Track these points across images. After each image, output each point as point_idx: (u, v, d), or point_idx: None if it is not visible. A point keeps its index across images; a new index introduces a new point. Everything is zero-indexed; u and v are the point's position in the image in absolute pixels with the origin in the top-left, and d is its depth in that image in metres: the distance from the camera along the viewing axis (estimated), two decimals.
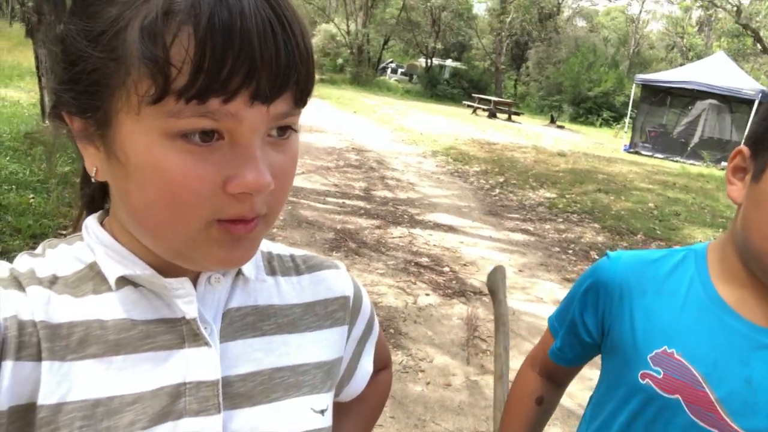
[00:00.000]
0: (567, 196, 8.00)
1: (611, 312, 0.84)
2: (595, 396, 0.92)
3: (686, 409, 0.75)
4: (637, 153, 15.14)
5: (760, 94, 13.73)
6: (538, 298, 4.23)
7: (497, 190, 7.99)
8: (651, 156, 14.82)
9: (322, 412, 0.62)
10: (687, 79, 15.02)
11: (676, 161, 14.23)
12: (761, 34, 21.14)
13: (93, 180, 0.52)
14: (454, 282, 4.29)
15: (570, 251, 5.52)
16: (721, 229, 6.94)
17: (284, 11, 0.45)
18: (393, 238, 5.17)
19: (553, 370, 0.99)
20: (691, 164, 13.76)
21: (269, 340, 0.60)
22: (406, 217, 5.96)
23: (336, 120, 12.93)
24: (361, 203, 6.24)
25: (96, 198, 0.60)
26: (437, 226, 5.76)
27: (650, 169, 11.77)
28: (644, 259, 0.86)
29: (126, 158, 0.47)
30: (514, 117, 20.66)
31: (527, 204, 7.36)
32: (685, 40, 34.85)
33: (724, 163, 13.74)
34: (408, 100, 24.96)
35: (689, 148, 14.76)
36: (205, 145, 0.45)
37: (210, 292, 0.57)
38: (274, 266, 0.65)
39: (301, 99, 0.49)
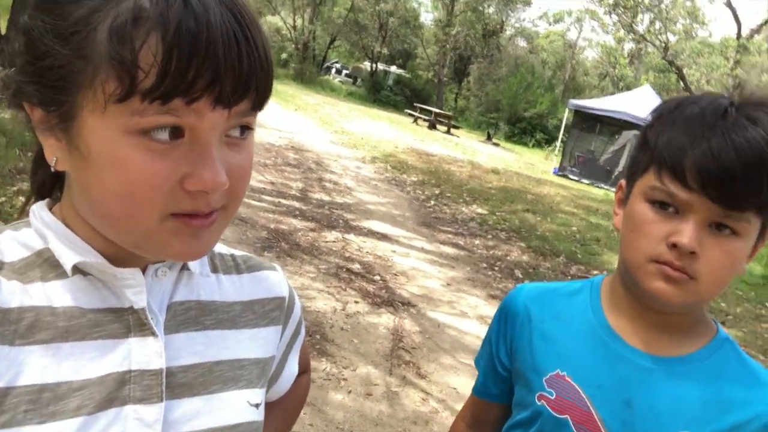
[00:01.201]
0: (497, 213, 8.27)
1: (516, 339, 0.90)
2: (505, 427, 0.95)
3: (573, 428, 0.80)
4: (565, 176, 15.83)
5: None
6: (463, 313, 4.35)
7: (432, 202, 8.15)
8: (578, 180, 15.54)
9: (257, 405, 0.65)
10: (616, 108, 15.86)
11: (601, 188, 14.98)
12: (685, 71, 22.66)
13: (53, 169, 0.53)
14: (383, 291, 4.34)
15: (496, 268, 5.71)
16: None
17: (248, 23, 0.48)
18: (327, 242, 5.17)
19: (481, 416, 1.01)
20: (614, 191, 14.47)
21: (210, 334, 0.63)
22: (341, 221, 5.97)
23: (276, 116, 12.74)
24: (296, 204, 6.20)
25: (46, 184, 0.61)
26: (371, 233, 5.81)
27: (576, 193, 12.35)
28: (545, 288, 0.94)
29: (88, 152, 0.48)
30: (453, 130, 21.09)
31: (460, 218, 7.55)
32: (617, 71, 36.80)
33: None
34: (351, 103, 24.97)
35: (613, 176, 15.58)
36: (166, 143, 0.47)
37: (156, 284, 0.59)
38: (216, 264, 0.68)
39: (259, 104, 0.52)
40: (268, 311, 0.70)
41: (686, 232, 0.71)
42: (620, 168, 15.49)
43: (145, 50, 0.44)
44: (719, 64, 23.78)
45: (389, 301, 4.19)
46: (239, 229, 4.79)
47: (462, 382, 3.28)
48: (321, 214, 6.06)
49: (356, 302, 4.03)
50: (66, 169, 0.52)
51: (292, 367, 0.79)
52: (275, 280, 0.73)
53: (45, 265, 0.54)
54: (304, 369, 0.87)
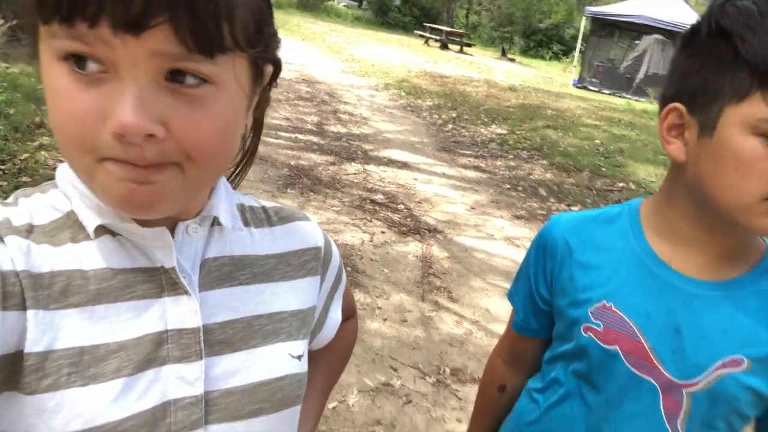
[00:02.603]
0: (517, 132, 8.11)
1: (556, 272, 0.88)
2: (547, 353, 0.95)
3: (623, 359, 0.79)
4: (585, 88, 15.36)
5: None
6: (489, 236, 4.37)
7: (450, 126, 8.01)
8: (598, 91, 15.08)
9: (299, 357, 0.64)
10: (635, 12, 15.12)
11: (622, 97, 14.53)
12: None
13: None
14: (409, 219, 4.36)
15: (520, 188, 5.66)
16: (662, 166, 7.25)
17: None
18: (347, 174, 5.16)
19: (519, 351, 1.00)
20: (636, 100, 14.09)
21: (245, 289, 0.62)
22: (360, 152, 5.93)
23: (283, 48, 12.31)
24: (314, 138, 6.15)
25: None
26: (391, 163, 5.77)
27: (597, 105, 12.01)
28: (582, 217, 0.90)
29: (41, 72, 0.46)
30: (465, 48, 20.40)
31: (479, 140, 7.43)
32: None
33: None
34: (358, 28, 24.19)
35: (635, 84, 15.07)
36: (89, 74, 0.43)
37: (188, 242, 0.58)
38: (247, 218, 0.66)
39: (196, 41, 0.43)
40: (303, 262, 0.69)
41: None
42: (641, 75, 14.96)
43: None
44: None
45: (415, 228, 4.21)
46: (260, 168, 4.79)
47: (493, 302, 3.34)
48: (339, 146, 6.01)
49: (383, 232, 4.06)
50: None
51: (336, 316, 0.79)
52: (309, 230, 0.71)
53: (75, 226, 0.54)
54: (350, 314, 0.87)
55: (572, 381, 0.87)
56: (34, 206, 0.54)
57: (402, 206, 4.61)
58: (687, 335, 0.77)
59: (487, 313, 3.22)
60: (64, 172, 0.56)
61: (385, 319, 2.99)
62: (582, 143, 7.95)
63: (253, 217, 0.67)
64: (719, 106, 0.69)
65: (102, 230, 0.53)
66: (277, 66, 0.59)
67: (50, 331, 0.49)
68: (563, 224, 0.90)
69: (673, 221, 0.80)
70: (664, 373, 0.77)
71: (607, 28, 16.03)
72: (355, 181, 5.02)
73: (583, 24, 17.07)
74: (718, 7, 0.70)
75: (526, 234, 4.50)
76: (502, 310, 3.25)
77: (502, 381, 1.03)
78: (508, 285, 3.66)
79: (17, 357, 0.48)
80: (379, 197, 4.71)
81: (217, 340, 0.58)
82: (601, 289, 0.82)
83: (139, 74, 0.43)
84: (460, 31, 22.75)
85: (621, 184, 6.23)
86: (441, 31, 20.67)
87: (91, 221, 0.53)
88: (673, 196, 0.80)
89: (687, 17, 14.78)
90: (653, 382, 0.78)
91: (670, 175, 0.81)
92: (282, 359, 0.62)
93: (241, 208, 0.66)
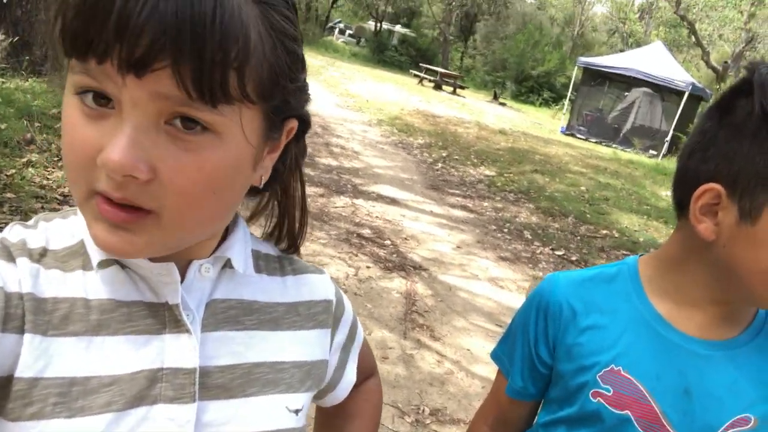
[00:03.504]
0: (505, 174, 8.22)
1: (560, 337, 0.85)
2: (542, 416, 0.92)
3: (636, 424, 0.77)
4: (572, 135, 15.67)
5: (690, 86, 14.47)
6: (474, 275, 4.38)
7: (440, 165, 8.11)
8: (585, 139, 15.38)
9: (297, 411, 0.62)
10: (626, 65, 15.55)
11: (609, 146, 14.84)
12: (696, 26, 22.12)
13: None
14: (394, 255, 4.37)
15: (505, 230, 5.71)
16: (645, 216, 7.36)
17: None
18: (336, 207, 5.18)
19: (511, 416, 0.97)
20: (622, 150, 14.39)
21: (251, 334, 0.60)
22: (350, 186, 5.97)
23: None
24: (305, 170, 6.17)
25: None
26: (380, 198, 5.81)
27: (584, 153, 12.23)
28: (581, 278, 0.87)
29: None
30: (459, 90, 20.80)
31: (468, 180, 7.52)
32: (626, 26, 35.96)
33: (652, 151, 14.49)
34: (355, 64, 24.61)
35: (622, 134, 15.41)
36: (96, 109, 0.45)
37: (198, 280, 0.57)
38: (260, 265, 0.65)
39: (198, 88, 0.43)
40: (314, 314, 0.67)
41: None
42: (628, 125, 15.31)
43: (65, 3, 0.43)
44: (732, 18, 23.16)
45: (401, 265, 4.22)
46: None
47: (475, 343, 3.33)
48: (329, 179, 6.05)
49: (368, 267, 4.06)
50: None
51: (350, 376, 0.76)
52: (321, 283, 0.70)
53: (87, 254, 0.53)
54: (371, 372, 0.84)
55: None
56: (52, 230, 0.55)
57: (388, 242, 4.62)
58: (696, 396, 0.76)
59: (469, 354, 3.21)
60: None
61: None
62: (568, 189, 8.07)
63: (267, 265, 0.66)
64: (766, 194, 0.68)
65: (110, 261, 0.53)
66: (304, 121, 0.58)
67: (43, 357, 0.48)
68: (563, 287, 0.87)
69: (680, 285, 0.79)
70: None
71: (597, 78, 16.45)
72: (343, 214, 5.04)
73: (575, 73, 17.51)
74: None
75: (510, 275, 4.52)
76: (484, 351, 3.24)
77: None
78: (491, 326, 3.64)
79: (7, 381, 0.47)
80: (366, 232, 4.73)
81: (214, 384, 0.56)
82: (609, 353, 0.80)
83: (138, 114, 0.43)
84: (455, 73, 23.23)
85: (605, 231, 6.31)
86: (436, 72, 21.09)
87: (96, 254, 0.53)
88: (684, 262, 0.79)
89: (675, 73, 15.26)
90: None
91: (683, 242, 0.79)
92: (278, 412, 0.60)
93: (257, 255, 0.65)
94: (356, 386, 0.78)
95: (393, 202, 5.79)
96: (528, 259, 5.03)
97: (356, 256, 4.21)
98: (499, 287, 4.25)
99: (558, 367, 0.86)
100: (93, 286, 0.52)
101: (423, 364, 3.03)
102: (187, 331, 0.55)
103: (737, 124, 0.70)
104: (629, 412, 0.78)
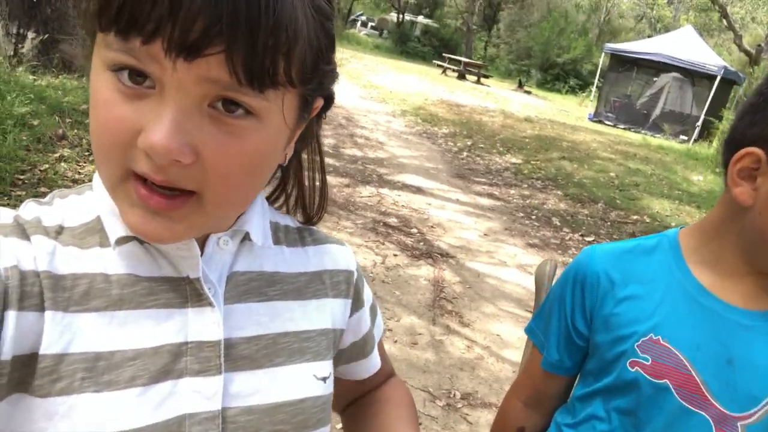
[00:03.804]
0: (532, 162, 8.12)
1: (597, 307, 0.85)
2: (578, 389, 0.91)
3: (675, 393, 0.77)
4: (600, 122, 15.40)
5: (722, 70, 14.08)
6: (502, 262, 4.34)
7: (465, 153, 8.04)
8: (614, 126, 15.11)
9: (324, 379, 0.62)
10: (654, 51, 15.23)
11: (638, 132, 14.55)
12: (728, 9, 21.48)
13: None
14: (421, 243, 4.35)
15: (533, 217, 5.65)
16: (677, 201, 7.20)
17: None
18: (362, 197, 5.18)
19: (546, 391, 0.96)
20: (651, 136, 14.08)
21: (274, 305, 0.60)
22: (374, 176, 5.96)
23: None
24: (330, 160, 6.19)
25: None
26: (405, 187, 5.79)
27: (613, 139, 12.01)
28: (620, 250, 0.87)
29: (89, 83, 0.47)
30: (483, 79, 20.61)
31: (494, 168, 7.45)
32: (654, 12, 35.16)
33: (682, 137, 14.16)
34: (377, 56, 24.55)
35: (651, 120, 15.09)
36: (133, 87, 0.43)
37: (217, 253, 0.57)
38: (279, 236, 0.65)
39: (248, 74, 0.42)
40: (336, 283, 0.67)
41: None
42: (657, 111, 14.99)
43: None
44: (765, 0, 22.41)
45: (428, 253, 4.20)
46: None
47: (505, 329, 3.30)
48: (354, 169, 6.05)
49: (395, 255, 4.05)
50: None
51: (375, 359, 0.76)
52: (343, 253, 0.70)
53: (104, 231, 0.53)
54: (391, 373, 0.83)
55: (615, 417, 0.83)
56: (67, 207, 0.54)
57: (415, 230, 4.60)
58: (738, 367, 0.75)
59: (499, 339, 3.18)
60: (98, 176, 0.56)
61: (395, 341, 2.97)
62: (597, 175, 7.93)
63: (286, 236, 0.66)
64: None
65: (128, 238, 0.53)
66: (329, 99, 0.58)
67: (68, 333, 0.48)
68: (602, 257, 0.86)
69: (720, 255, 0.78)
70: (717, 405, 0.76)
71: (625, 64, 16.13)
72: (369, 203, 5.04)
73: (602, 60, 17.19)
74: None
75: (539, 262, 4.46)
76: (514, 337, 3.21)
77: (521, 423, 0.99)
78: (520, 312, 3.61)
79: (32, 359, 0.47)
80: (392, 220, 4.71)
81: (239, 355, 0.56)
82: (648, 323, 0.80)
83: (182, 98, 0.43)
84: (478, 62, 23.00)
85: (635, 217, 6.19)
86: (459, 61, 20.91)
87: (114, 231, 0.52)
88: (724, 232, 0.78)
89: (707, 57, 14.85)
90: (705, 415, 0.76)
91: (723, 212, 0.78)
92: (306, 380, 0.60)
93: (275, 227, 0.65)
94: (381, 382, 0.79)
95: (418, 191, 5.76)
96: (557, 245, 4.96)
97: (383, 244, 4.20)
98: (528, 273, 4.20)
99: (595, 338, 0.86)
100: (112, 262, 0.52)
101: (453, 349, 3.01)
102: (210, 304, 0.55)
103: None
104: (668, 381, 0.77)
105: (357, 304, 0.70)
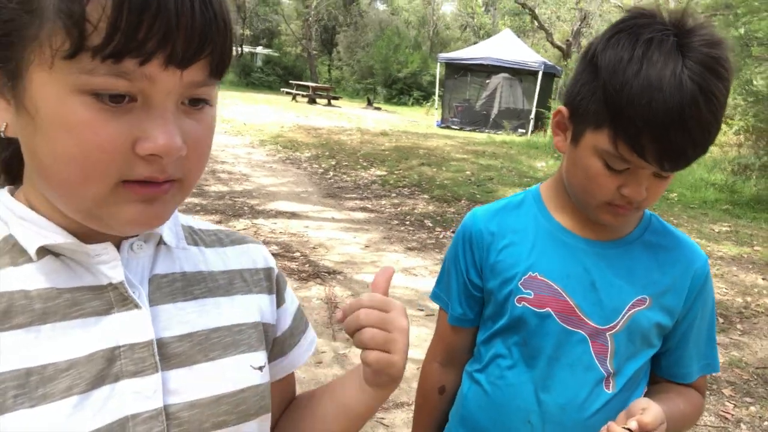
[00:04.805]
0: (396, 172, 8.47)
1: (485, 258, 0.98)
2: (481, 335, 1.04)
3: (556, 317, 0.91)
4: (448, 127, 16.42)
5: (543, 66, 15.71)
6: None
7: (331, 173, 8.18)
8: (460, 129, 16.18)
9: (261, 368, 0.64)
10: (482, 55, 16.59)
11: (482, 132, 15.70)
12: (537, 11, 24.02)
13: (2, 135, 0.51)
14: (307, 265, 4.37)
15: (407, 222, 5.90)
16: (527, 187, 7.86)
17: None
18: (237, 231, 5.07)
19: (456, 346, 1.08)
20: (495, 133, 15.28)
21: (202, 302, 0.62)
22: (246, 208, 5.87)
23: None
24: (195, 200, 5.98)
25: (14, 165, 0.58)
26: (280, 214, 5.77)
27: (462, 141, 12.87)
28: (495, 208, 1.02)
29: (36, 111, 0.46)
30: (333, 101, 21.04)
31: (362, 183, 7.66)
32: (475, 20, 38.27)
33: (521, 130, 15.52)
34: (223, 91, 24.04)
35: (491, 119, 16.38)
36: (116, 106, 0.46)
37: (133, 258, 0.58)
38: (196, 239, 0.67)
39: (217, 70, 0.50)
40: (257, 280, 0.70)
41: (637, 187, 0.81)
42: (495, 111, 16.30)
43: (93, 3, 0.43)
44: (565, 0, 25.42)
45: (315, 273, 4.23)
46: None
47: None
48: (223, 205, 5.91)
49: None
50: (16, 134, 0.50)
51: (304, 345, 0.77)
52: (260, 252, 0.73)
53: (14, 250, 0.53)
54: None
55: (515, 351, 0.96)
56: None
57: (298, 254, 4.61)
58: (601, 287, 0.91)
59: None
60: (1, 198, 0.55)
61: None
62: (455, 176, 8.47)
63: (203, 238, 0.68)
64: (584, 126, 0.84)
65: (43, 252, 0.53)
66: None
67: None
68: (482, 217, 1.01)
69: (565, 198, 0.95)
70: (590, 323, 0.91)
71: (459, 71, 17.37)
72: None
73: (438, 70, 18.36)
74: (604, 41, 0.81)
75: (420, 263, 4.69)
76: (412, 336, 3.33)
77: (441, 383, 1.09)
78: (413, 311, 3.76)
79: None
80: (273, 248, 4.68)
81: (173, 353, 0.57)
82: (525, 263, 0.94)
83: (169, 102, 0.48)
84: (326, 85, 23.48)
85: None
86: (307, 86, 21.17)
87: (31, 243, 0.52)
88: (561, 178, 0.96)
89: (528, 56, 16.48)
90: (582, 332, 0.91)
91: (562, 163, 0.96)
92: (244, 370, 0.62)
93: (189, 230, 0.67)
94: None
95: (293, 215, 5.77)
96: (433, 245, 5.23)
97: None
98: (413, 275, 4.40)
99: (487, 285, 0.99)
100: (30, 278, 0.52)
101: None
102: (136, 306, 0.55)
103: (584, 60, 0.86)
104: (549, 309, 0.92)
105: (279, 300, 0.73)
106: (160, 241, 0.61)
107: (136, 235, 0.58)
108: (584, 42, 25.76)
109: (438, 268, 4.65)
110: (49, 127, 0.46)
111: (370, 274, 4.32)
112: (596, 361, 0.91)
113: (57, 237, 0.52)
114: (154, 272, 0.60)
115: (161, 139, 0.47)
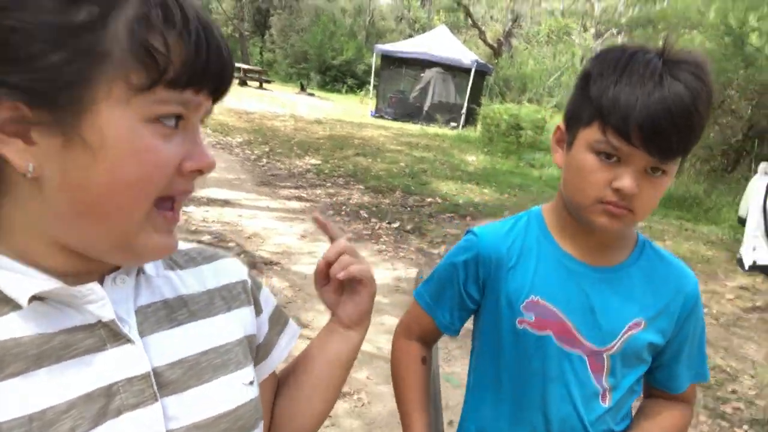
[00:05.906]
0: (331, 161, 8.43)
1: (490, 278, 1.01)
2: (476, 348, 1.08)
3: (555, 340, 0.96)
4: (382, 117, 16.48)
5: (475, 63, 16.06)
6: None
7: (265, 160, 8.03)
8: (394, 120, 16.27)
9: (251, 383, 0.68)
10: (417, 50, 16.75)
11: (416, 123, 15.87)
12: (471, 9, 24.48)
13: (29, 176, 0.49)
14: (242, 255, 4.28)
15: (343, 212, 5.90)
16: (459, 181, 8.10)
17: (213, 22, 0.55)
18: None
19: (432, 337, 1.14)
20: (427, 125, 15.49)
21: (186, 328, 0.64)
22: None
23: None
24: None
25: None
26: (212, 202, 5.61)
27: (396, 132, 12.98)
28: (501, 231, 1.04)
29: (101, 143, 0.49)
30: (265, 84, 20.59)
31: (296, 172, 7.57)
32: (411, 13, 38.49)
33: (452, 123, 15.83)
34: None
35: (424, 111, 16.59)
36: (173, 129, 0.53)
37: (116, 291, 0.59)
38: (170, 263, 0.68)
39: (222, 95, 0.58)
40: (236, 294, 0.72)
41: (628, 179, 0.84)
42: (428, 103, 16.52)
43: (173, 44, 0.49)
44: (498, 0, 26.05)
45: (251, 264, 4.15)
46: None
47: None
48: None
49: None
50: (46, 174, 0.49)
51: (282, 345, 0.81)
52: (233, 266, 0.75)
53: (1, 298, 0.52)
54: None
55: (512, 364, 1.00)
56: None
57: (233, 243, 4.51)
58: (599, 311, 0.96)
59: None
60: None
61: None
62: (390, 167, 8.54)
63: (177, 260, 0.69)
64: (577, 128, 0.89)
65: (30, 298, 0.52)
66: None
67: None
68: (488, 238, 1.03)
69: (567, 221, 0.98)
70: (587, 343, 0.96)
71: (395, 62, 17.45)
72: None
73: (374, 60, 18.36)
74: (594, 56, 0.90)
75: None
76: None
77: (422, 354, 1.12)
78: None
79: None
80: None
81: (168, 380, 0.59)
82: (530, 287, 0.97)
83: (198, 124, 0.57)
84: (257, 68, 22.89)
85: (429, 200, 6.84)
86: (238, 68, 20.55)
87: (22, 293, 0.52)
88: (562, 199, 0.98)
89: (461, 53, 16.80)
90: (580, 352, 0.96)
91: (560, 182, 0.99)
92: (236, 388, 0.65)
93: None
94: None
95: (226, 203, 5.63)
96: (369, 235, 5.27)
97: None
98: None
99: (487, 303, 1.03)
100: (17, 326, 0.52)
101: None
102: (129, 341, 0.57)
103: (578, 79, 0.92)
104: (550, 331, 0.96)
105: (257, 309, 0.76)
106: (139, 271, 0.62)
107: (119, 268, 0.59)
108: (515, 42, 26.54)
109: (375, 259, 4.72)
110: (116, 155, 0.49)
111: (307, 265, 4.29)
112: (593, 379, 0.97)
113: (44, 284, 0.52)
114: (138, 303, 0.61)
115: (207, 156, 0.55)
